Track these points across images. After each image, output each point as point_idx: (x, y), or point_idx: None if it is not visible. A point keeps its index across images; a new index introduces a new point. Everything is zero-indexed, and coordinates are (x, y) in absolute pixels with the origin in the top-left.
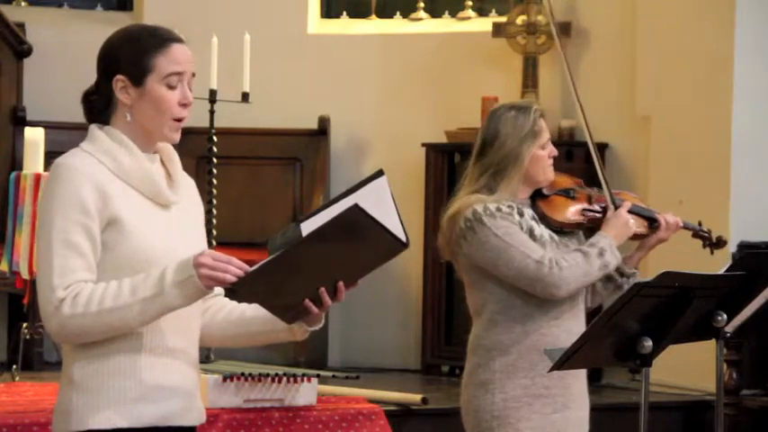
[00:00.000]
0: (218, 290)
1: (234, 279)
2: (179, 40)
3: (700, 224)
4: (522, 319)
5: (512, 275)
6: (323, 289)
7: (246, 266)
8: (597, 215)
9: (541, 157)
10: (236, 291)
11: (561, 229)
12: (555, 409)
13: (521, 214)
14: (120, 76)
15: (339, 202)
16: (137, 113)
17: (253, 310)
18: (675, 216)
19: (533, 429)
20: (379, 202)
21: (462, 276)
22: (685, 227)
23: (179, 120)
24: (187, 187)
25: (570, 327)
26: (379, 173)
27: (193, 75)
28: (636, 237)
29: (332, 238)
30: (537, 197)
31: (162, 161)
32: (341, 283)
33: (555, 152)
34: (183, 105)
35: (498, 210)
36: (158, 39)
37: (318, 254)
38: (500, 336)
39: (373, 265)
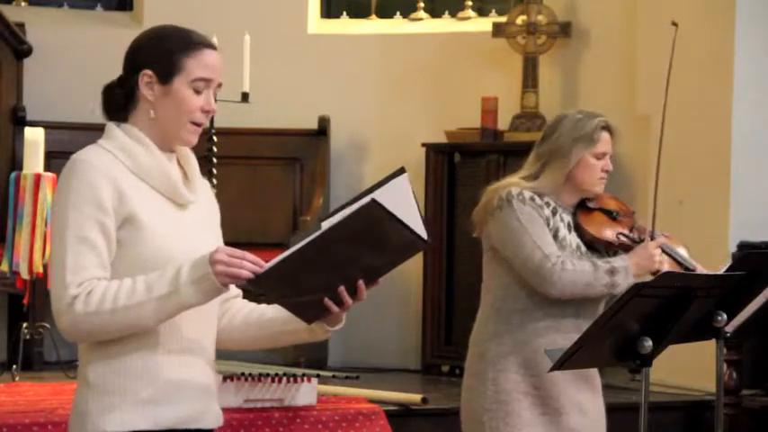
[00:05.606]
0: (236, 291)
1: (249, 275)
2: (212, 47)
3: None
4: (522, 312)
5: (518, 262)
6: (342, 288)
7: (262, 262)
8: (630, 243)
9: (592, 165)
10: (252, 288)
11: (591, 244)
12: (545, 411)
13: (554, 213)
14: (147, 71)
15: (359, 201)
16: (158, 111)
17: (272, 312)
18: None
19: (522, 426)
20: (400, 200)
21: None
22: None
23: (198, 125)
24: (203, 187)
25: (571, 335)
26: (400, 170)
27: (220, 85)
28: None
29: (350, 233)
30: (580, 207)
31: (179, 161)
32: (361, 282)
33: (609, 167)
34: (206, 112)
35: (531, 199)
36: (192, 41)
37: (336, 250)
38: (497, 325)
39: (394, 262)
